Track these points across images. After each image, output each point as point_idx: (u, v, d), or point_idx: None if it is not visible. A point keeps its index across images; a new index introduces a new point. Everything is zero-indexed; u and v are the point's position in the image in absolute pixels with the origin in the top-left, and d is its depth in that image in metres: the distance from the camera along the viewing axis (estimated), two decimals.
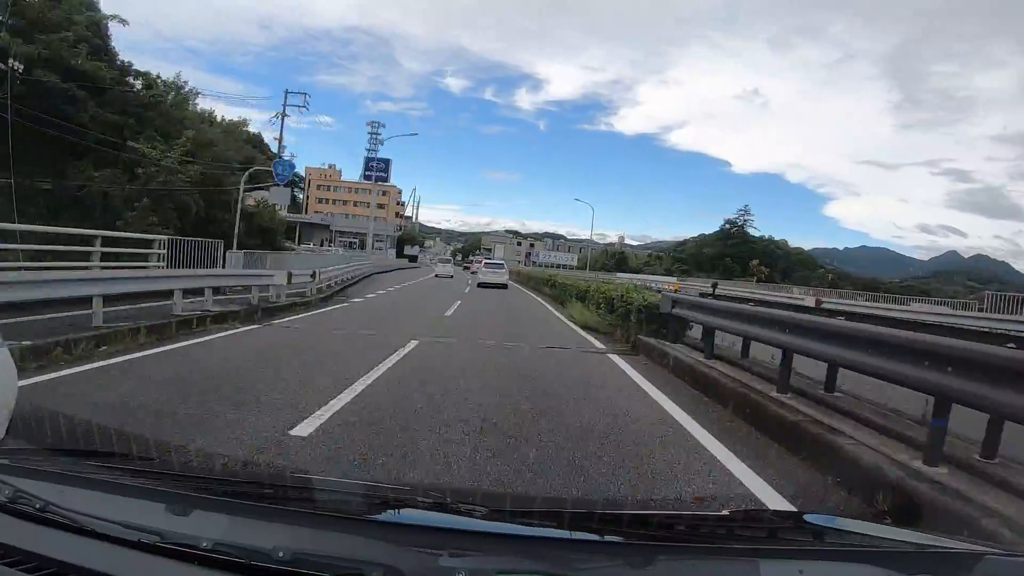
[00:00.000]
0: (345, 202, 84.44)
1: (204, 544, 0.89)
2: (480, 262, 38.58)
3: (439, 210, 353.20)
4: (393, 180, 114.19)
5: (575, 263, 79.26)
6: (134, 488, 1.17)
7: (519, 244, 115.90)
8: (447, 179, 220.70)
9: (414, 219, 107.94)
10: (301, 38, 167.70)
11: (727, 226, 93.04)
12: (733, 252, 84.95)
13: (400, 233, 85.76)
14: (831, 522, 1.33)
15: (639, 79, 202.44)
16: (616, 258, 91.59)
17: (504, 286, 25.77)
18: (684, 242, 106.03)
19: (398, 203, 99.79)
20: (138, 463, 1.63)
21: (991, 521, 2.36)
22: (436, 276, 33.91)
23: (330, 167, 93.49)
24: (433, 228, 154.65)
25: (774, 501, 2.90)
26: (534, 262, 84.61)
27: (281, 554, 0.87)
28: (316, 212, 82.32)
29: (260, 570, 0.86)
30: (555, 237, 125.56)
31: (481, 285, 25.33)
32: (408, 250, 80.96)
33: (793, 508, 2.81)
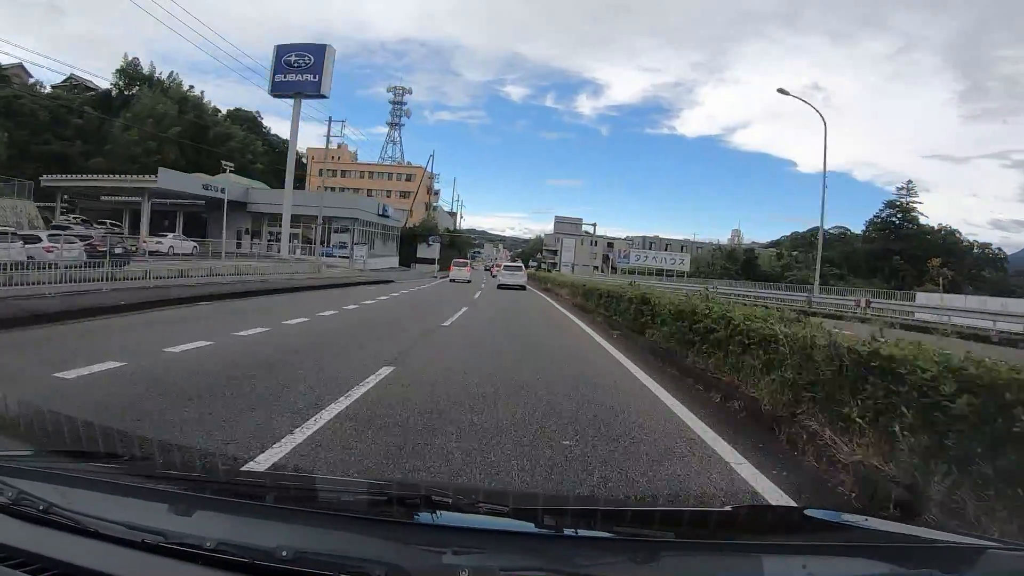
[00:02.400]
0: (356, 189, 61.81)
1: (207, 544, 0.89)
2: (499, 266, 37.07)
3: (504, 218, 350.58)
4: (443, 178, 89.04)
5: (687, 266, 57.44)
6: (137, 489, 1.17)
7: (594, 244, 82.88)
8: (510, 187, 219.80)
9: (435, 201, 79.46)
10: (356, 51, 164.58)
11: (887, 212, 65.34)
12: (901, 248, 59.61)
13: (415, 226, 58.88)
14: (834, 517, 1.33)
15: (701, 80, 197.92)
16: (743, 260, 69.73)
17: (522, 287, 26.60)
18: (778, 242, 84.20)
19: (432, 192, 76.98)
20: (141, 464, 1.63)
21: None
22: (452, 280, 30.45)
23: (340, 147, 70.63)
24: (498, 235, 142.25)
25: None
26: (618, 267, 61.62)
27: (284, 553, 0.87)
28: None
29: (263, 570, 0.86)
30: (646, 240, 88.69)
31: (500, 287, 26.21)
32: (426, 251, 54.74)
33: (796, 504, 2.80)
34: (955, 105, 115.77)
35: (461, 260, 36.61)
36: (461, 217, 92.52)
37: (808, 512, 1.40)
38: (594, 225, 45.38)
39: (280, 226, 37.23)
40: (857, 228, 73.06)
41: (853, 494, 2.92)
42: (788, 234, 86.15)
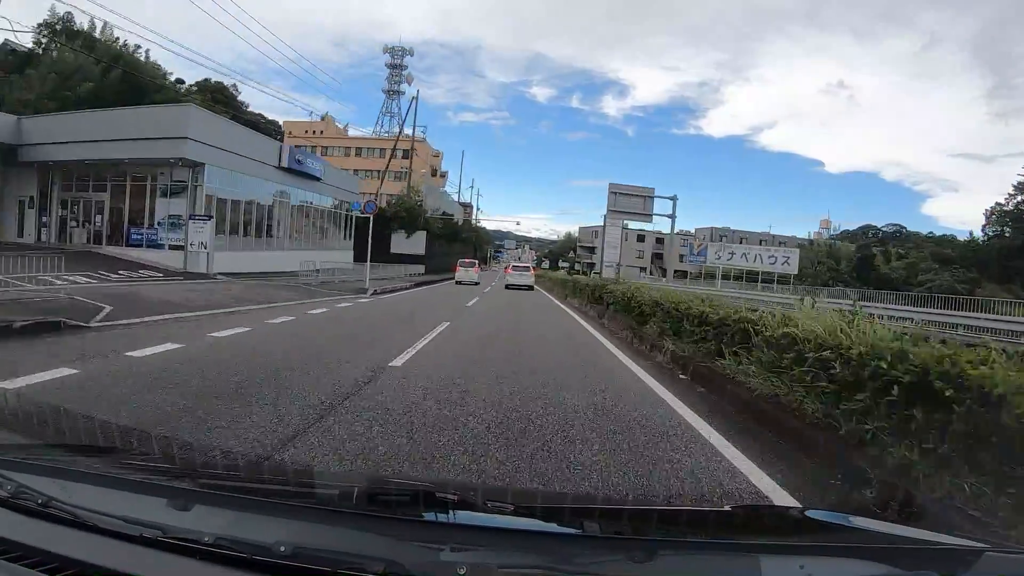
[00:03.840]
0: (345, 170, 42.06)
1: (206, 539, 0.89)
2: (509, 267, 33.53)
3: (530, 219, 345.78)
4: (448, 154, 70.30)
5: (794, 267, 41.13)
6: (136, 483, 1.17)
7: (639, 239, 66.76)
8: (535, 188, 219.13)
9: (442, 184, 60.91)
10: (377, 54, 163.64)
11: (1020, 198, 49.51)
12: None
13: (387, 207, 36.54)
14: (832, 518, 1.33)
15: (726, 80, 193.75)
16: (855, 261, 56.22)
17: (530, 287, 25.51)
18: (813, 242, 70.12)
19: (438, 174, 62.43)
20: (140, 458, 1.63)
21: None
22: (457, 282, 26.74)
23: (323, 119, 56.19)
24: (524, 236, 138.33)
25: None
26: (690, 267, 49.14)
27: (283, 549, 0.87)
28: None
29: (262, 565, 0.86)
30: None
31: (508, 287, 25.19)
32: (403, 245, 34.55)
33: (795, 504, 2.81)
34: (982, 103, 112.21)
35: (468, 260, 30.24)
36: (478, 209, 72.46)
37: (807, 513, 1.40)
38: (673, 199, 27.12)
39: (90, 187, 20.47)
40: (911, 227, 64.50)
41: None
42: (837, 232, 74.53)
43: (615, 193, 28.85)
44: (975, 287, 39.81)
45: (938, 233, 61.53)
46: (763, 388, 4.27)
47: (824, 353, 3.59)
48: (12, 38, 37.90)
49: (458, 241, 47.91)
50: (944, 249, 54.81)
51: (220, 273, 18.92)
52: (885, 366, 2.92)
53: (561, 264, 73.82)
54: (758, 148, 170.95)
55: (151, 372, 4.71)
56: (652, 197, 29.53)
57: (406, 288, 21.56)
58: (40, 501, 1.00)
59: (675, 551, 1.02)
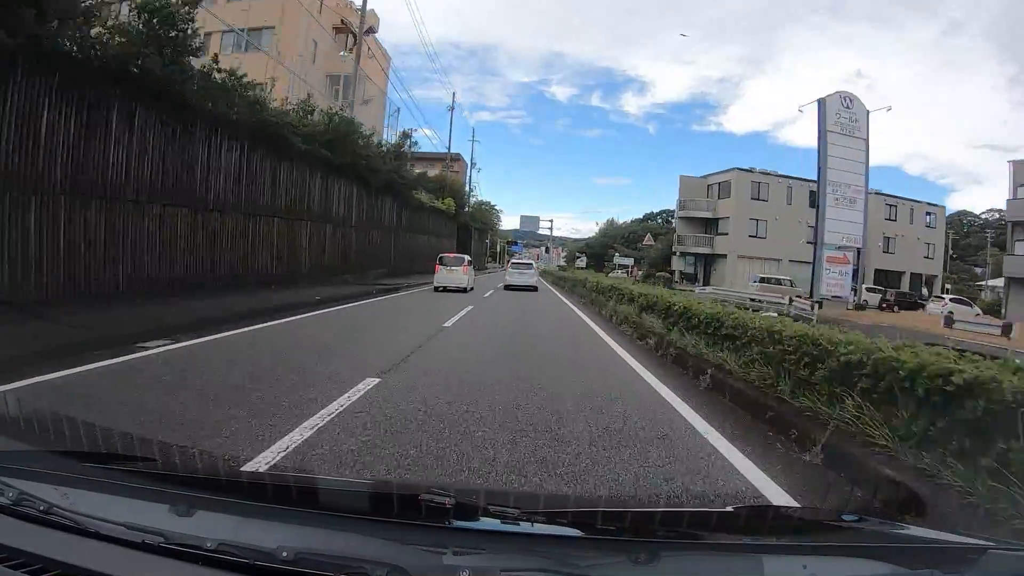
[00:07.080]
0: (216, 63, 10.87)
1: (208, 545, 0.89)
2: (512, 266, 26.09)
3: (554, 218, 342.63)
4: (478, 167, 45.59)
5: None
6: (137, 489, 1.17)
7: (789, 202, 35.93)
8: (555, 187, 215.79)
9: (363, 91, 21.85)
10: (390, 55, 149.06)
11: None
12: None
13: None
14: (835, 517, 1.33)
15: (746, 75, 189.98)
16: None
17: (534, 288, 21.47)
18: None
19: (358, 41, 21.01)
20: (141, 464, 1.62)
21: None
22: (436, 289, 18.91)
23: None
24: (545, 235, 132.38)
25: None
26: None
27: (284, 554, 0.87)
28: None
29: (264, 570, 0.86)
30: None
31: (508, 287, 21.25)
32: None
33: (797, 504, 2.80)
34: (1004, 89, 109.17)
35: (452, 256, 21.31)
36: (473, 164, 49.32)
37: (810, 512, 1.40)
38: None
39: None
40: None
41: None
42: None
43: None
44: None
45: None
46: None
47: None
48: None
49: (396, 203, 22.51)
50: None
51: None
52: None
53: (619, 261, 46.20)
54: (780, 143, 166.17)
55: None
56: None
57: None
58: (42, 508, 1.00)
59: (677, 552, 1.02)
